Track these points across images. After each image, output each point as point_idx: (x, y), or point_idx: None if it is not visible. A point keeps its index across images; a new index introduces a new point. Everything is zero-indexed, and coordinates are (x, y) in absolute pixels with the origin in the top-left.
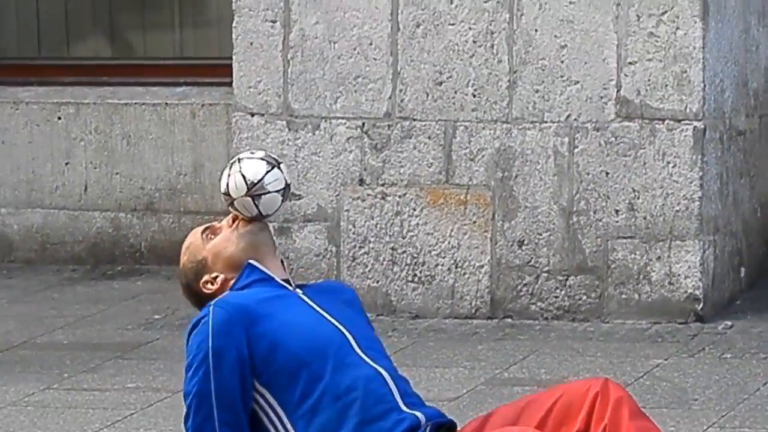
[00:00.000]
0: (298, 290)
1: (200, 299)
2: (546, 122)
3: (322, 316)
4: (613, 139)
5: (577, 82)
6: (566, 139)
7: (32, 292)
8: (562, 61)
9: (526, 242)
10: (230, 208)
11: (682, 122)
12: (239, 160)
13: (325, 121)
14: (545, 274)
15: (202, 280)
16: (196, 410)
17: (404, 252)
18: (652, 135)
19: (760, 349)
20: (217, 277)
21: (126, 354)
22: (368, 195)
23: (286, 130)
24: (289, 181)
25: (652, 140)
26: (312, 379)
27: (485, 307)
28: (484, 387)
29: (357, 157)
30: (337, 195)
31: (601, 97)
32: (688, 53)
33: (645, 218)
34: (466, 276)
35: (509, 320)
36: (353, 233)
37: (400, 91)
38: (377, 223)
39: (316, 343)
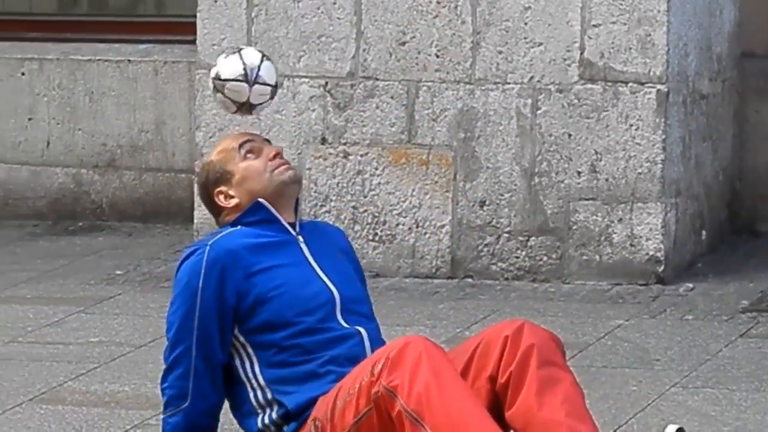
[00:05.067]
0: (299, 237)
1: (209, 201)
2: (509, 83)
3: (316, 272)
4: (576, 101)
5: (541, 44)
6: (529, 101)
7: None
8: (525, 23)
9: (487, 203)
10: (218, 94)
11: (646, 85)
12: (240, 49)
13: (288, 79)
14: (506, 235)
15: (218, 189)
16: (176, 342)
17: (366, 211)
18: (615, 98)
19: (721, 311)
20: (233, 198)
21: (89, 308)
22: (330, 154)
23: None
24: (277, 82)
25: (615, 103)
26: (289, 336)
27: (446, 267)
28: (444, 346)
29: (319, 116)
30: (299, 153)
31: (565, 59)
32: (652, 16)
33: (607, 180)
34: (427, 236)
35: (470, 280)
36: (315, 192)
37: (364, 50)
38: (339, 182)
39: (302, 304)
